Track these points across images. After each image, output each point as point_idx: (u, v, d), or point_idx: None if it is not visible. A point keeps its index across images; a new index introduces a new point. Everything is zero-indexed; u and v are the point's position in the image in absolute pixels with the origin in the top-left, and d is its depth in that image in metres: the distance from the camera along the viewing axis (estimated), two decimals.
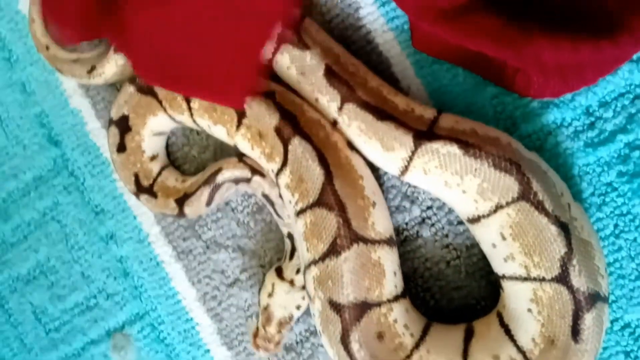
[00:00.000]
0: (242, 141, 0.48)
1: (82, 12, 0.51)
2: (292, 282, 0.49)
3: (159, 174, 0.53)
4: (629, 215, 0.45)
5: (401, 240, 0.49)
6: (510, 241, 0.40)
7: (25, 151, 0.58)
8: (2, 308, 0.61)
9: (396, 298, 0.44)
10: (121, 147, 0.52)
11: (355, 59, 0.47)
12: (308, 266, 0.44)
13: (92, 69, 0.52)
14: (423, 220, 0.49)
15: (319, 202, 0.43)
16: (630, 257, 0.45)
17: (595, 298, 0.40)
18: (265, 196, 0.50)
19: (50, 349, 0.60)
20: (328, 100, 0.44)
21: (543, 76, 0.41)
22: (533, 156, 0.42)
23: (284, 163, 0.45)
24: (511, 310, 0.42)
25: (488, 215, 0.41)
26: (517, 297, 0.41)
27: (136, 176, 0.52)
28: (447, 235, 0.48)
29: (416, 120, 0.43)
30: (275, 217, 0.51)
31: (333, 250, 0.42)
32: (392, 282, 0.44)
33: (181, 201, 0.51)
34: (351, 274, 0.42)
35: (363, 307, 0.42)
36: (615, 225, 0.45)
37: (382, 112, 0.43)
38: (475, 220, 0.42)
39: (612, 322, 0.46)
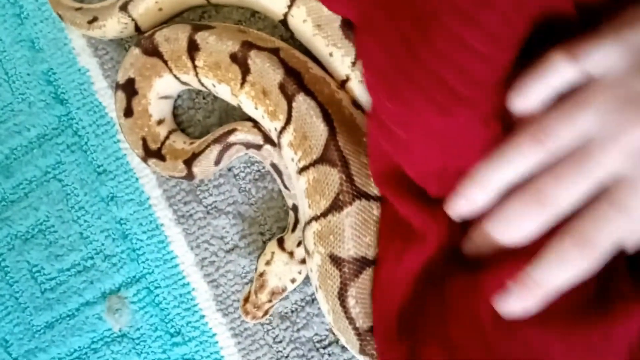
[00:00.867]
0: (245, 99, 0.48)
1: None
2: (291, 254, 0.49)
3: (167, 137, 0.53)
4: None
5: None
6: None
7: (30, 108, 0.58)
8: None
9: None
10: (128, 112, 0.52)
11: None
12: (309, 222, 0.44)
13: (94, 19, 0.52)
14: None
15: (322, 159, 0.43)
16: None
17: None
18: (274, 165, 0.50)
19: (44, 308, 0.60)
20: (342, 54, 0.45)
21: None
22: None
23: (288, 120, 0.45)
24: None
25: None
26: None
27: (144, 140, 0.52)
28: None
29: None
30: (282, 188, 0.51)
31: (335, 206, 0.42)
32: None
33: (189, 162, 0.51)
34: (352, 229, 0.42)
35: (362, 263, 0.43)
36: None
37: None
38: None
39: None
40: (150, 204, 0.56)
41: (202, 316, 0.56)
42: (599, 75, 0.34)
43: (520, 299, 0.35)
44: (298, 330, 0.53)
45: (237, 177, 0.54)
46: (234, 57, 0.47)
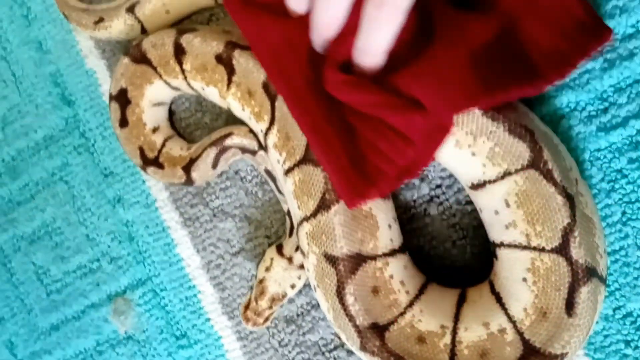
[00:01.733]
0: (233, 101, 0.48)
1: None
2: (290, 260, 0.49)
3: (163, 145, 0.53)
4: (637, 203, 0.45)
5: (408, 218, 0.49)
6: (514, 208, 0.40)
7: (37, 110, 0.58)
8: (4, 267, 0.61)
9: (393, 252, 0.44)
10: (123, 122, 0.52)
11: None
12: (300, 223, 0.44)
13: (100, 20, 0.52)
14: (431, 198, 0.49)
15: (305, 159, 0.43)
16: (636, 245, 0.45)
17: (592, 273, 0.39)
18: (268, 172, 0.50)
19: (50, 310, 0.60)
20: None
21: None
22: (547, 129, 0.42)
23: (272, 121, 0.45)
24: (503, 278, 0.42)
25: (494, 181, 0.41)
26: (512, 266, 0.41)
27: (141, 149, 0.52)
28: (454, 215, 0.48)
29: None
30: (277, 193, 0.51)
31: (323, 205, 0.43)
32: (386, 235, 0.44)
33: (188, 167, 0.51)
34: (342, 226, 0.42)
35: (358, 260, 0.43)
36: (623, 213, 0.45)
37: None
38: (479, 186, 0.42)
39: (614, 310, 0.46)
40: (157, 207, 0.56)
41: (208, 319, 0.56)
42: None
43: (363, 64, 0.39)
44: (304, 334, 0.53)
45: (244, 180, 0.54)
46: (219, 58, 0.47)
